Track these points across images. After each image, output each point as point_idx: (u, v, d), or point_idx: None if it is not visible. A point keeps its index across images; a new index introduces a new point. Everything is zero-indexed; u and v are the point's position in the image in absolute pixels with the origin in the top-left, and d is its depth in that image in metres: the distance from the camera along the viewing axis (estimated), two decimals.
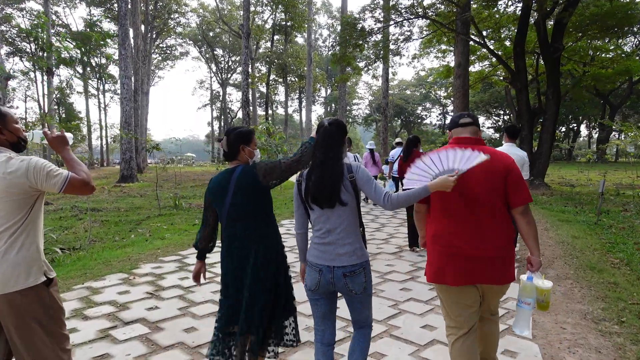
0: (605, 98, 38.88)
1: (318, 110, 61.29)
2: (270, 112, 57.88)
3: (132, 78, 29.26)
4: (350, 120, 56.07)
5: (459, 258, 2.38)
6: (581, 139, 58.65)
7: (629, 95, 39.14)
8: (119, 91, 22.96)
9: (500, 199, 2.38)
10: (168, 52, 46.86)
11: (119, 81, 23.16)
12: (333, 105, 53.29)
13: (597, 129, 44.33)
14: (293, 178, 2.64)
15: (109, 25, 38.56)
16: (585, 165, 30.86)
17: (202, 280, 2.92)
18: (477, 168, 2.32)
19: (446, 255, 2.42)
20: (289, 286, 2.75)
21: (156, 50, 46.42)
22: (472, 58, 22.04)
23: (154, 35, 42.03)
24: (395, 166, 10.41)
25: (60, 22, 40.31)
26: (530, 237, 2.42)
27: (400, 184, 10.34)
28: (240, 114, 57.08)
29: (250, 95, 47.11)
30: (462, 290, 2.44)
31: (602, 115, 40.30)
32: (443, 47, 26.17)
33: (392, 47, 20.80)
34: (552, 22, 18.10)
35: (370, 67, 19.95)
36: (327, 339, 2.50)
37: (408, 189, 2.36)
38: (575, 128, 51.91)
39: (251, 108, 34.66)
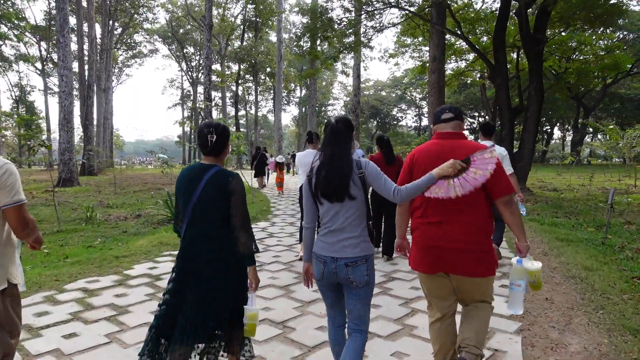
0: (579, 100, 37.78)
1: (293, 110, 59.14)
2: (243, 112, 55.50)
3: (86, 72, 26.56)
4: (325, 121, 54.11)
5: (435, 248, 2.42)
6: (553, 141, 57.93)
7: (603, 98, 38.13)
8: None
9: (481, 192, 2.36)
10: (135, 48, 43.89)
11: (57, 73, 20.49)
12: (308, 106, 51.19)
13: (572, 131, 43.30)
14: None
15: (72, 20, 35.61)
16: (562, 168, 29.47)
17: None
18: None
19: (423, 245, 2.47)
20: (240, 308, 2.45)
21: (122, 46, 43.53)
22: (447, 52, 20.18)
23: (120, 30, 39.23)
24: None
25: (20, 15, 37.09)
26: (516, 226, 2.43)
27: None
28: (214, 115, 54.60)
29: (220, 94, 44.63)
30: (436, 280, 2.51)
31: (577, 117, 39.20)
32: (419, 41, 24.30)
33: (363, 39, 18.84)
34: (533, 11, 16.39)
35: (338, 59, 17.81)
36: (337, 321, 2.56)
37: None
38: (549, 130, 50.97)
39: (212, 104, 32.17)
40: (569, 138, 50.12)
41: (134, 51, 44.78)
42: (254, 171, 17.63)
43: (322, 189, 2.35)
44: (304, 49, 17.98)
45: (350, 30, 17.88)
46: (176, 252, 5.85)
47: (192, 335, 2.30)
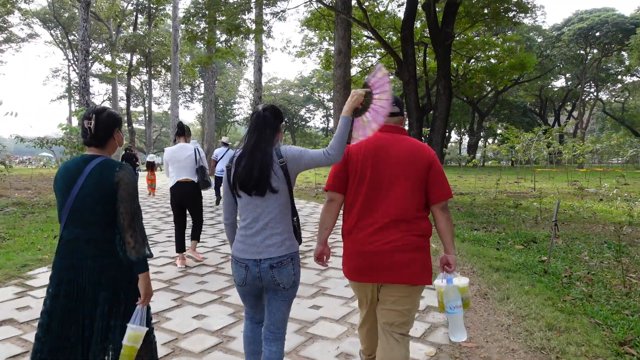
0: (474, 105, 39.08)
1: (197, 108, 55.05)
2: (142, 108, 50.46)
3: None
4: (230, 120, 50.80)
5: (366, 254, 2.14)
6: (450, 144, 60.42)
7: (495, 104, 39.87)
8: None
9: (421, 194, 2.17)
10: (4, 30, 37.22)
11: None
12: (205, 101, 47.53)
13: (467, 135, 44.98)
14: None
15: None
16: (461, 170, 29.78)
17: None
18: (399, 159, 2.15)
19: (354, 250, 2.20)
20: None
21: None
22: (354, 46, 18.64)
23: None
24: (222, 165, 9.75)
25: None
26: (448, 234, 2.20)
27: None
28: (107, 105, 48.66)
29: (110, 87, 39.44)
30: (364, 287, 2.26)
31: (472, 121, 40.62)
32: (325, 38, 22.60)
33: (264, 28, 16.59)
34: (439, 10, 15.35)
35: (230, 43, 15.34)
36: (257, 318, 2.36)
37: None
38: (447, 133, 52.85)
39: (92, 97, 27.82)
40: (464, 141, 52.29)
41: (6, 33, 38.05)
42: None
43: (241, 180, 2.10)
44: (195, 32, 15.25)
45: (250, 16, 15.56)
46: None
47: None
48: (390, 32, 18.63)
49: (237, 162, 2.15)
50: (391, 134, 2.23)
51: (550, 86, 44.08)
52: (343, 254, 2.31)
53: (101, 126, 2.04)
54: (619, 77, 41.31)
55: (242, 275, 2.15)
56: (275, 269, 2.09)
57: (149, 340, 2.12)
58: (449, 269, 2.21)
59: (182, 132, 5.49)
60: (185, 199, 5.37)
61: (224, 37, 16.40)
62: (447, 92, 13.17)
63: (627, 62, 37.69)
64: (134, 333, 1.95)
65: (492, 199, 12.92)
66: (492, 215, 9.68)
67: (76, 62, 43.27)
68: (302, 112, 54.05)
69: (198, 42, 16.02)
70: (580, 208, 11.22)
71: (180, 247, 5.35)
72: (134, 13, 33.31)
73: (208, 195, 12.98)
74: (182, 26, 30.56)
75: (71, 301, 1.97)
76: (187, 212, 5.53)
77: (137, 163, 14.67)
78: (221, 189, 11.99)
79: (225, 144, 10.50)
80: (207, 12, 14.38)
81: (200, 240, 6.15)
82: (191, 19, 15.05)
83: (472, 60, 18.70)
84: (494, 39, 19.78)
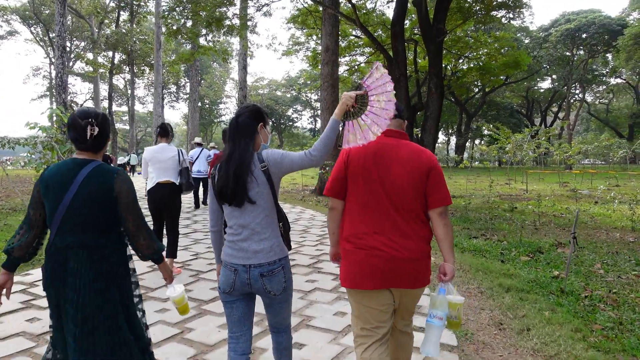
0: (462, 106, 38.74)
1: (183, 108, 53.99)
2: (126, 108, 49.20)
3: None
4: (216, 120, 49.77)
5: (376, 260, 2.04)
6: (437, 144, 60.13)
7: (482, 105, 39.59)
8: None
9: (421, 198, 2.09)
10: None
11: None
12: (200, 103, 46.45)
13: (455, 136, 44.64)
14: None
15: None
16: (450, 171, 29.35)
17: (3, 300, 1.98)
18: (401, 164, 2.08)
19: (362, 256, 2.07)
20: (137, 322, 2.07)
21: None
22: (342, 45, 17.95)
23: None
24: (198, 167, 9.73)
25: None
26: (446, 242, 2.08)
27: (202, 184, 10.10)
28: (90, 105, 47.35)
29: (92, 85, 38.12)
30: (378, 295, 2.09)
31: (460, 122, 40.28)
32: (312, 38, 21.86)
33: (248, 23, 15.81)
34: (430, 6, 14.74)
35: (213, 38, 14.55)
36: (241, 347, 2.11)
37: None
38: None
39: (73, 96, 26.67)
40: (452, 142, 52.04)
41: None
42: None
43: (219, 191, 2.03)
44: (176, 27, 14.41)
45: (234, 10, 14.78)
46: None
47: None
48: (380, 30, 17.99)
49: (219, 171, 2.07)
50: (394, 138, 2.15)
51: (536, 87, 43.98)
52: (346, 262, 2.13)
53: (102, 131, 1.99)
54: (604, 78, 41.36)
55: (231, 280, 2.05)
56: (265, 278, 2.02)
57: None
58: (444, 278, 2.07)
59: (166, 132, 5.20)
60: (164, 201, 5.02)
61: (209, 35, 15.64)
62: (438, 91, 12.56)
63: (611, 64, 37.71)
64: (177, 298, 2.17)
65: (486, 202, 12.34)
66: (489, 221, 9.06)
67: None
68: (290, 112, 53.26)
69: (179, 38, 15.17)
70: (577, 211, 10.69)
71: None
72: (116, 10, 32.18)
73: (187, 199, 12.16)
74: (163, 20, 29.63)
75: (68, 307, 1.90)
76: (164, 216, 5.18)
77: (111, 165, 13.82)
78: (200, 192, 11.16)
79: (199, 144, 10.39)
80: (188, 6, 13.56)
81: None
82: (172, 13, 14.20)
83: (461, 60, 18.22)
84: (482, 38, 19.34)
